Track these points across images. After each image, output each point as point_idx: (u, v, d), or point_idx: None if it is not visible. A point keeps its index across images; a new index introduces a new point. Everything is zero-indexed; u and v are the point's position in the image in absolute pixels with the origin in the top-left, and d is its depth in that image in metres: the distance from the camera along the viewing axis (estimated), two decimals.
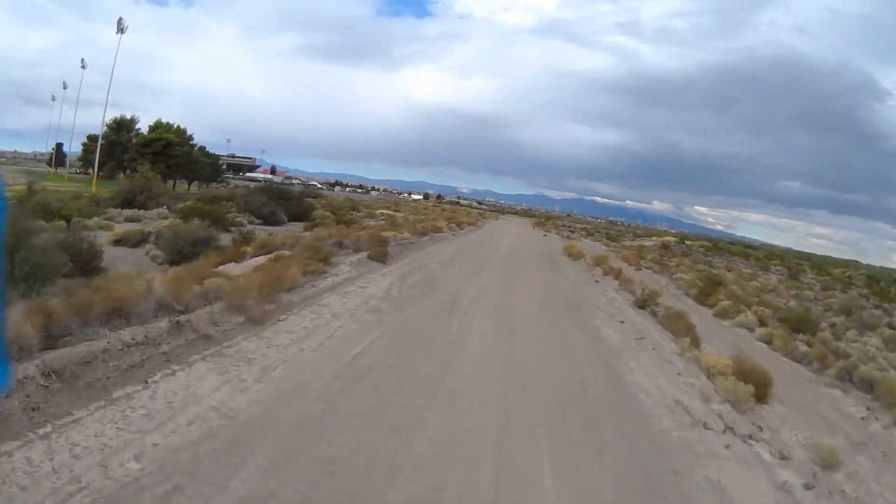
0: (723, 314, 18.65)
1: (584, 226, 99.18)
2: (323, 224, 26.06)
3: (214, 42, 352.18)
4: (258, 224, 26.78)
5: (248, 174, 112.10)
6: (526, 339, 9.69)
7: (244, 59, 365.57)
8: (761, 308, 19.99)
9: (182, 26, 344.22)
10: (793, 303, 23.79)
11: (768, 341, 16.27)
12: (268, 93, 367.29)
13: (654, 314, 15.45)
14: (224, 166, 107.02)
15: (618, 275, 21.01)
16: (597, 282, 20.09)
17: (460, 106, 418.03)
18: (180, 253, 15.49)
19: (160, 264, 14.89)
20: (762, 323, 17.85)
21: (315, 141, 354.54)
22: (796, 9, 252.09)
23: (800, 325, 18.64)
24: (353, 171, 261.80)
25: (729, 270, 36.34)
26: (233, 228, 22.21)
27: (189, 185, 63.96)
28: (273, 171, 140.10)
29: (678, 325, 13.57)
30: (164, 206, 25.96)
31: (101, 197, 29.07)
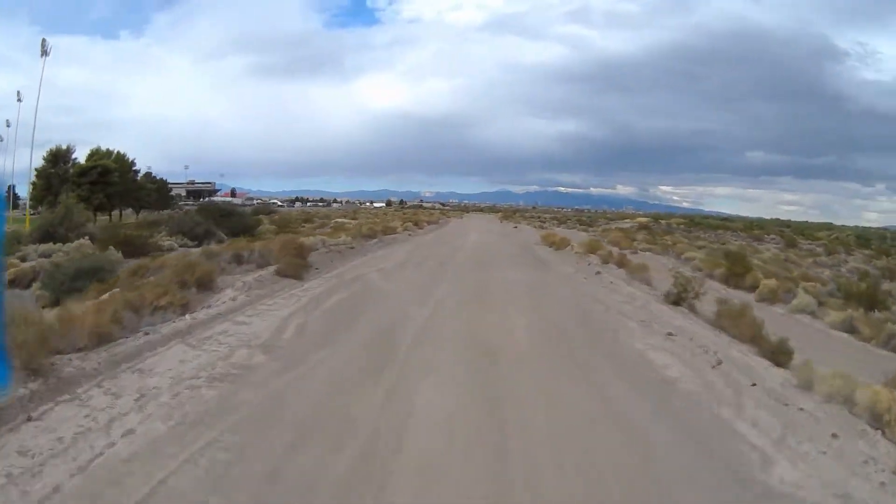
0: (770, 298, 13.92)
1: (552, 215, 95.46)
2: (259, 237, 21.44)
3: (168, 71, 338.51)
4: (191, 245, 21.98)
5: (208, 199, 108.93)
6: (532, 428, 4.29)
7: (199, 86, 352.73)
8: (809, 284, 15.35)
9: (135, 58, 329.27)
10: (827, 273, 19.36)
11: (849, 329, 11.65)
12: (225, 117, 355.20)
13: (694, 310, 10.55)
14: (184, 193, 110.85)
15: (621, 261, 16.01)
16: (598, 273, 15.01)
17: (417, 110, 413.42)
18: (63, 290, 11.85)
19: (43, 306, 10.45)
20: (820, 304, 13.24)
21: (276, 160, 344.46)
22: None
23: (868, 301, 13.99)
24: (316, 187, 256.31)
25: (724, 244, 32.11)
26: (154, 253, 17.88)
27: (138, 214, 58.01)
28: (233, 193, 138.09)
29: (744, 328, 8.79)
30: (86, 237, 21.18)
31: (23, 234, 24.45)
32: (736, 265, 15.20)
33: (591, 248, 18.21)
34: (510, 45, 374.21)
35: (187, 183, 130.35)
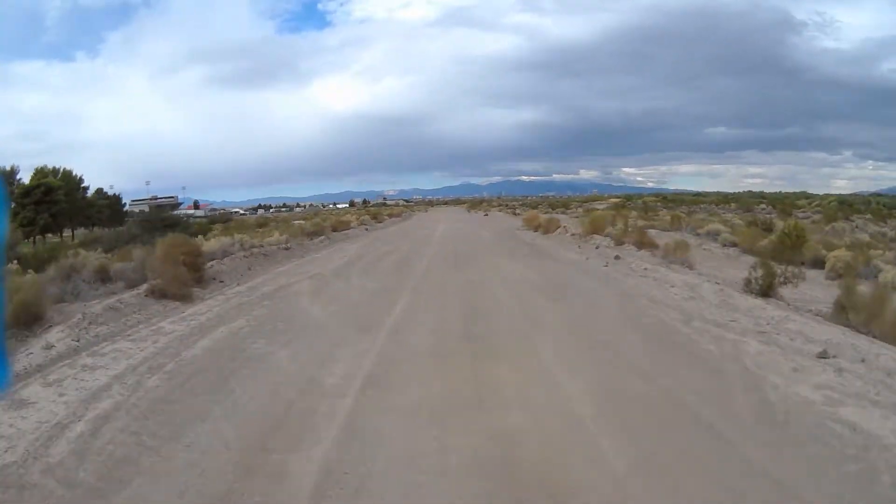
0: (846, 272, 10.32)
1: (519, 203, 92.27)
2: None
3: (126, 89, 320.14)
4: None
5: (171, 213, 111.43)
6: None
7: (157, 101, 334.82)
8: (876, 253, 11.92)
9: (93, 79, 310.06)
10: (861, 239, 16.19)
11: None
12: (186, 130, 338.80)
13: (789, 301, 6.92)
14: (146, 209, 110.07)
15: (641, 240, 12.18)
16: (617, 258, 11.10)
17: (376, 110, 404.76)
18: None
19: None
20: None
21: (240, 169, 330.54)
22: None
23: None
24: (282, 193, 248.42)
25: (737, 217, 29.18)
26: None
27: (92, 230, 54.33)
28: (196, 206, 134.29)
29: None
30: (16, 260, 16.89)
31: None
32: (789, 238, 11.56)
33: (594, 228, 14.32)
34: (463, 38, 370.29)
35: (150, 199, 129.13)
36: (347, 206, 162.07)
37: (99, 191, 58.84)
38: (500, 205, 69.86)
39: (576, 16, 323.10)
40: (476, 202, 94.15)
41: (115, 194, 62.26)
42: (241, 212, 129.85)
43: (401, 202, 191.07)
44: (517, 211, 43.04)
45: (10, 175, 55.33)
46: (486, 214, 40.78)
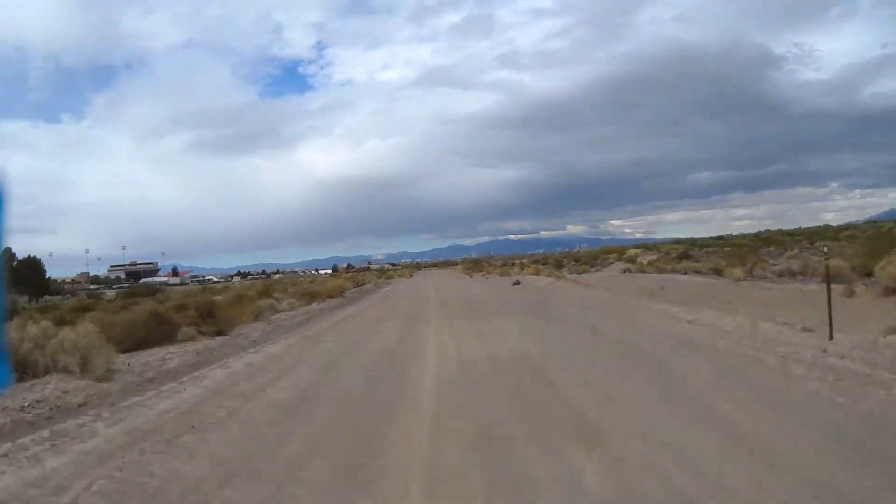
0: None
1: (517, 262, 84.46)
2: None
3: (111, 153, 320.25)
4: None
5: (144, 279, 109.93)
6: None
7: (142, 166, 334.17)
8: None
9: (78, 141, 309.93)
10: None
11: None
12: (169, 195, 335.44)
13: None
14: (122, 275, 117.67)
15: None
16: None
17: (360, 173, 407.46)
18: None
19: None
20: None
21: (225, 235, 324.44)
22: (673, 0, 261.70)
23: None
24: (267, 259, 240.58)
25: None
26: None
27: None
28: (175, 272, 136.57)
29: None
30: None
31: None
32: None
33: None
34: (444, 98, 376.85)
35: (128, 264, 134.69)
36: (331, 271, 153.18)
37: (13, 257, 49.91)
38: (494, 265, 62.11)
39: (555, 69, 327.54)
40: (469, 263, 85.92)
41: (35, 259, 52.44)
42: (215, 279, 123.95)
43: (387, 265, 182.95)
44: (525, 272, 34.89)
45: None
46: (487, 277, 32.75)
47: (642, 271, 26.97)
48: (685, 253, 52.09)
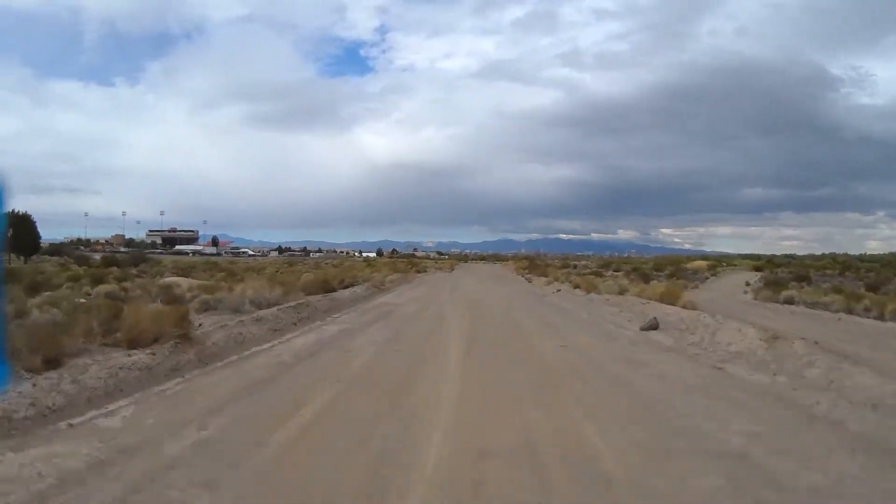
0: None
1: (572, 263, 72.01)
2: None
3: (163, 120, 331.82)
4: None
5: (178, 247, 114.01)
6: None
7: (194, 135, 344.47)
8: None
9: (130, 106, 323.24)
10: None
11: None
12: (220, 166, 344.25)
13: None
14: (160, 240, 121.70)
15: None
16: None
17: (415, 159, 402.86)
18: None
19: None
20: None
21: (274, 210, 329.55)
22: (737, 12, 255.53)
23: None
24: (317, 238, 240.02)
25: None
26: None
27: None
28: (215, 241, 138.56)
29: None
30: None
31: None
32: None
33: None
34: (503, 91, 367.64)
35: (168, 230, 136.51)
36: (374, 255, 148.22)
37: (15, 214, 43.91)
38: (548, 265, 50.39)
39: (614, 71, 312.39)
40: (524, 261, 74.27)
41: (21, 213, 46.33)
42: (251, 252, 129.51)
43: (434, 254, 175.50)
44: (621, 281, 23.37)
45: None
46: (558, 290, 21.75)
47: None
48: (803, 275, 38.74)
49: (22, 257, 45.20)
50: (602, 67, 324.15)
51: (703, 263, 70.64)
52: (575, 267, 57.83)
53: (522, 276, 37.33)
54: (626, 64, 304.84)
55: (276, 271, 39.08)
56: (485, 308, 14.65)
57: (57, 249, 56.22)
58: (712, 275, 50.22)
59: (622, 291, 17.84)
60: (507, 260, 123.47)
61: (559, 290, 22.04)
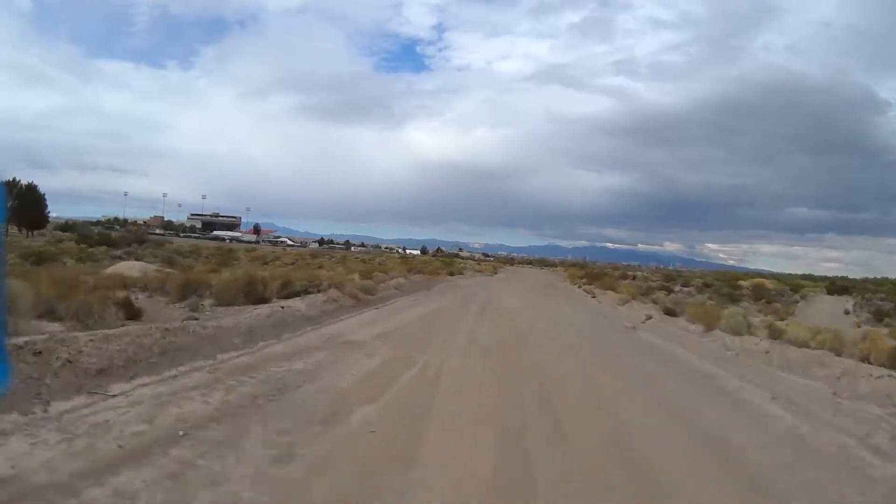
0: None
1: (631, 274, 62.90)
2: None
3: (213, 105, 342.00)
4: None
5: (216, 232, 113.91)
6: None
7: (243, 122, 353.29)
8: None
9: (180, 90, 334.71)
10: None
11: None
12: (268, 154, 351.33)
13: None
14: (199, 224, 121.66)
15: None
16: None
17: (466, 159, 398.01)
18: None
19: None
20: None
21: (321, 202, 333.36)
22: (788, 28, 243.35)
23: None
24: (364, 232, 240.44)
25: None
26: None
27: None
28: (257, 229, 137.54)
29: None
30: None
31: None
32: None
33: None
34: (556, 96, 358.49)
35: (211, 214, 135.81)
36: (419, 252, 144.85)
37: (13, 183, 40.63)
38: (617, 276, 42.06)
39: (668, 82, 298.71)
40: (582, 269, 66.09)
41: (28, 185, 43.30)
42: (290, 242, 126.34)
43: (479, 255, 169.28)
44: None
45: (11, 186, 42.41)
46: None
47: None
48: None
49: (25, 230, 41.77)
50: (655, 78, 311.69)
51: (765, 282, 59.43)
52: (634, 278, 49.13)
53: (580, 288, 29.72)
54: (680, 75, 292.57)
55: (292, 263, 33.47)
56: (540, 370, 7.48)
57: (68, 225, 53.30)
58: (800, 298, 40.63)
59: (774, 331, 10.19)
60: (556, 266, 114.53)
61: (649, 318, 14.53)
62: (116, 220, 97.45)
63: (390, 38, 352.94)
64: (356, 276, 17.07)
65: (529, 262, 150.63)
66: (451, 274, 34.82)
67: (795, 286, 48.82)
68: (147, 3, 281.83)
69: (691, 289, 38.49)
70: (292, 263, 33.42)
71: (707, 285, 41.58)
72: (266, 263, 31.44)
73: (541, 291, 26.12)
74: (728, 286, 40.97)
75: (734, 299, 29.81)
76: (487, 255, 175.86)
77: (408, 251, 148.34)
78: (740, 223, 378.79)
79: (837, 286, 47.38)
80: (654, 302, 19.35)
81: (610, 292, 24.26)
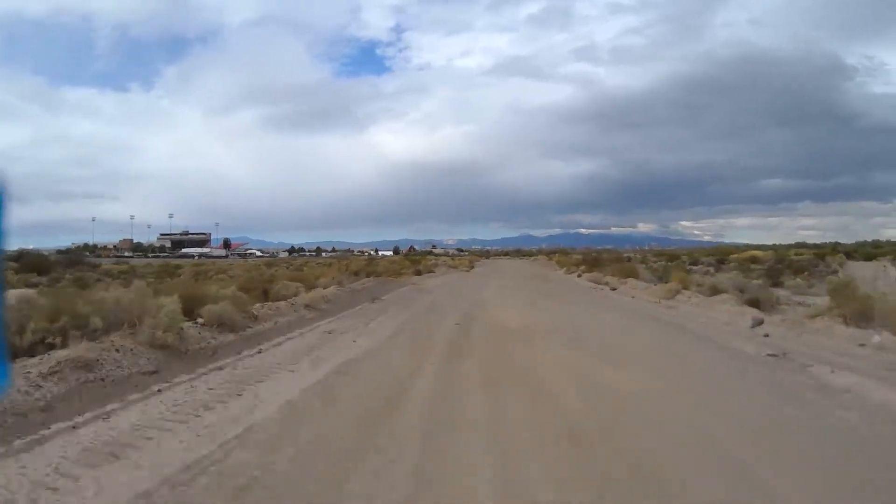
0: None
1: (626, 256, 56.98)
2: None
3: (179, 124, 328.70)
4: None
5: (185, 250, 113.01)
6: None
7: (210, 138, 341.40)
8: None
9: (146, 111, 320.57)
10: None
11: None
12: (237, 169, 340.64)
13: None
14: (168, 244, 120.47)
15: None
16: None
17: (433, 158, 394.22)
18: None
19: None
20: None
21: (292, 212, 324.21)
22: (750, 3, 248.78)
23: None
24: (337, 238, 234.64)
25: None
26: None
27: None
28: (227, 244, 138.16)
29: None
30: None
31: None
32: None
33: None
34: (519, 88, 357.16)
35: (180, 233, 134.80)
36: (391, 253, 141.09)
37: None
38: (611, 259, 35.76)
39: (629, 66, 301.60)
40: (568, 256, 59.96)
41: None
42: (258, 252, 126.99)
43: (453, 251, 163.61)
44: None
45: None
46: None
47: None
48: None
49: None
50: (617, 62, 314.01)
51: (757, 254, 54.53)
52: (629, 260, 42.89)
53: (579, 277, 23.13)
54: (642, 58, 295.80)
55: (230, 277, 25.94)
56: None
57: (20, 254, 47.84)
58: (838, 266, 34.91)
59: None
60: (535, 255, 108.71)
61: (759, 324, 7.85)
62: (86, 246, 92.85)
63: (350, 42, 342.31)
64: (244, 293, 9.89)
65: (506, 254, 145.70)
66: (419, 273, 27.71)
67: (822, 255, 43.33)
68: (108, 26, 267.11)
69: (706, 267, 32.31)
70: (231, 277, 26.31)
71: (721, 261, 35.63)
72: (209, 278, 24.25)
73: (538, 288, 19.26)
74: (748, 261, 34.97)
75: (773, 276, 23.65)
76: (462, 251, 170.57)
77: (380, 252, 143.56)
78: (713, 199, 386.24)
79: (862, 252, 42.15)
80: (690, 288, 12.67)
81: (631, 280, 17.72)
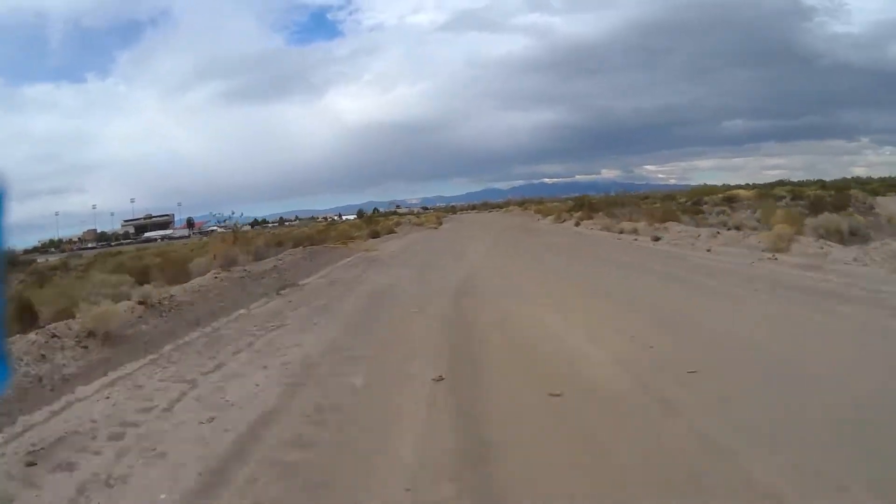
0: None
1: (619, 201, 52.23)
2: None
3: (138, 109, 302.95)
4: None
5: (147, 234, 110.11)
6: None
7: (168, 119, 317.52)
8: None
9: (103, 99, 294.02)
10: None
11: None
12: (198, 147, 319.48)
13: None
14: (132, 229, 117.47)
15: None
16: None
17: (391, 119, 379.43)
18: None
19: None
20: None
21: (258, 183, 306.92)
22: None
23: None
24: (303, 206, 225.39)
25: None
26: None
27: None
28: (190, 223, 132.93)
29: None
30: None
31: None
32: None
33: None
34: (473, 42, 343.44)
35: (143, 217, 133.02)
36: (355, 217, 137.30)
37: None
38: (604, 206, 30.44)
39: (586, 13, 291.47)
40: (522, 205, 54.42)
41: None
42: (220, 230, 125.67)
43: (419, 209, 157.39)
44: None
45: None
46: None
47: None
48: None
49: None
50: (572, 10, 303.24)
51: (740, 192, 50.59)
52: (623, 205, 37.78)
53: (592, 230, 17.74)
54: (597, 5, 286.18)
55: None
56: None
57: None
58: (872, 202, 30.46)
59: None
60: (507, 208, 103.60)
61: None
62: (52, 242, 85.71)
63: (300, 9, 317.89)
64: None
65: (473, 208, 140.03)
66: (376, 235, 21.75)
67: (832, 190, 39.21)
68: (60, 20, 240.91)
69: (714, 207, 27.51)
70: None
71: (728, 199, 30.86)
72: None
73: (545, 244, 13.63)
74: (729, 200, 30.27)
75: (818, 208, 18.86)
76: (426, 209, 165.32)
77: (343, 217, 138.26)
78: (676, 142, 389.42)
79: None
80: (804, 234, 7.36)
81: (671, 224, 12.43)
